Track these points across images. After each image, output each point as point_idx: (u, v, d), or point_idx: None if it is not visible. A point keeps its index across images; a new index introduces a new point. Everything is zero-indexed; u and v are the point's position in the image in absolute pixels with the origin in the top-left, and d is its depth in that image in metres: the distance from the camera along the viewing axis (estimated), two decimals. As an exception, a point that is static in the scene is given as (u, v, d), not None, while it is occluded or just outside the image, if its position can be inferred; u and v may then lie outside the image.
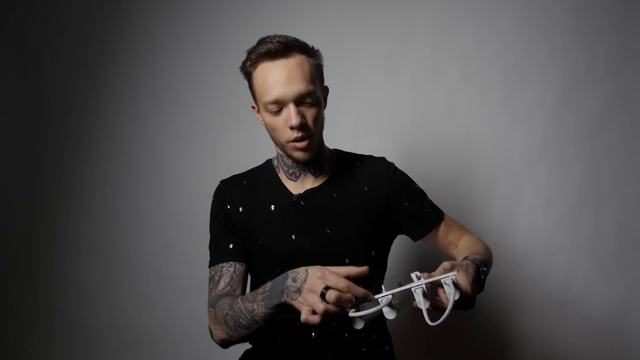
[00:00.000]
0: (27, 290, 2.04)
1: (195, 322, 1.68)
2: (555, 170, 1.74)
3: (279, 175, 1.10)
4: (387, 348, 1.12)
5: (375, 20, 1.80)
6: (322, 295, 0.73)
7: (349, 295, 0.74)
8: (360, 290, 0.75)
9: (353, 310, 0.75)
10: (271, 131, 1.01)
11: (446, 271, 0.80)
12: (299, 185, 1.07)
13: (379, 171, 1.10)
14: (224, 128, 1.90)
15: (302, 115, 0.95)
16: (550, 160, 1.74)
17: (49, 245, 2.03)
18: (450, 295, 0.76)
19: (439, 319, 0.74)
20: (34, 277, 2.04)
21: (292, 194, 1.07)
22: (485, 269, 0.93)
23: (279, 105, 0.95)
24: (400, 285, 0.87)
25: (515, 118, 1.75)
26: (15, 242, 2.05)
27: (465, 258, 0.93)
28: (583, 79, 1.72)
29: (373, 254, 1.08)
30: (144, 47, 1.96)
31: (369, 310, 0.75)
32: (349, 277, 0.76)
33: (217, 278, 1.03)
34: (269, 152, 1.17)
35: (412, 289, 0.77)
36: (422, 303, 0.75)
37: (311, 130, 0.97)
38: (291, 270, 0.81)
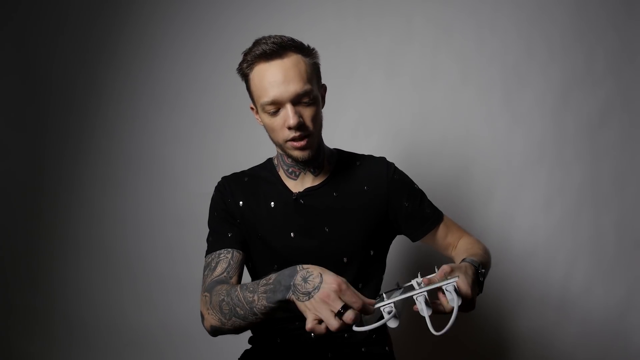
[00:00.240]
0: (27, 290, 2.04)
1: (195, 322, 1.67)
2: (554, 171, 1.74)
3: (279, 173, 1.10)
4: (387, 348, 1.12)
5: (375, 20, 1.80)
6: (339, 314, 0.71)
7: (359, 313, 0.73)
8: (370, 309, 0.74)
9: (357, 324, 0.74)
10: (270, 131, 1.01)
11: (446, 274, 0.79)
12: (298, 184, 1.08)
13: (379, 171, 1.10)
14: (224, 128, 1.91)
15: (299, 115, 0.95)
16: (549, 160, 1.74)
17: (49, 245, 2.04)
18: (452, 302, 0.75)
19: (442, 328, 0.72)
20: (34, 277, 2.04)
21: (292, 192, 1.07)
22: (483, 270, 0.93)
23: (277, 105, 0.95)
24: (398, 285, 0.86)
25: (515, 118, 1.75)
26: (15, 242, 2.06)
27: (463, 260, 0.92)
28: (583, 79, 1.72)
29: (372, 253, 1.08)
30: (143, 47, 1.96)
31: (373, 325, 0.73)
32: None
33: (214, 264, 1.01)
34: (269, 152, 1.17)
35: (414, 297, 0.76)
36: (424, 311, 0.74)
37: (309, 130, 0.98)
38: (300, 267, 0.78)
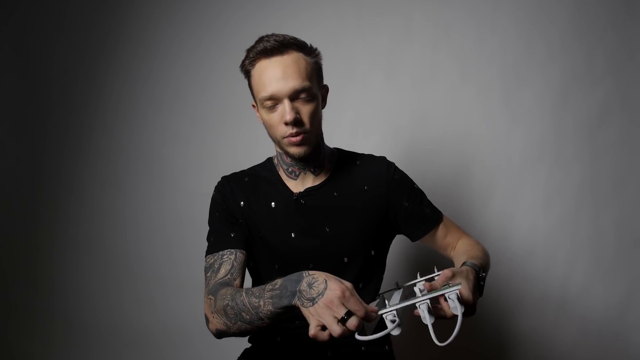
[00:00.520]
0: (27, 290, 2.04)
1: (195, 321, 1.68)
2: (554, 170, 1.74)
3: (279, 173, 1.10)
4: (387, 347, 1.12)
5: (374, 20, 1.80)
6: (343, 320, 0.71)
7: (362, 321, 0.73)
8: (373, 316, 0.74)
9: (360, 333, 0.73)
10: (268, 128, 1.02)
11: (448, 279, 0.79)
12: (299, 184, 1.08)
13: (379, 170, 1.10)
14: (223, 128, 1.91)
15: (296, 111, 0.96)
16: (549, 159, 1.74)
17: (49, 245, 2.03)
18: (455, 310, 0.75)
19: (444, 334, 0.72)
20: (34, 277, 2.04)
21: (292, 192, 1.07)
22: (484, 274, 0.93)
23: (274, 101, 0.96)
24: (397, 285, 0.86)
25: (515, 117, 1.75)
26: (15, 242, 2.05)
27: (464, 263, 0.92)
28: (582, 79, 1.72)
29: (372, 253, 1.08)
30: (142, 47, 1.96)
31: (376, 335, 0.72)
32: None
33: (217, 265, 1.01)
34: (268, 151, 1.17)
35: (417, 305, 0.75)
36: (427, 319, 0.74)
37: (306, 126, 0.98)
38: (306, 273, 0.78)
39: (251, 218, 1.06)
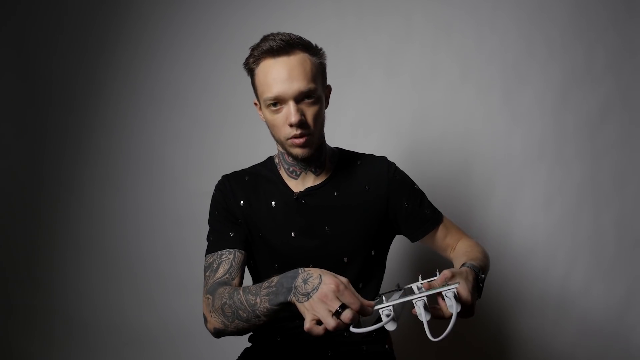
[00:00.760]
0: (26, 289, 2.04)
1: (195, 320, 1.68)
2: (554, 169, 1.74)
3: (280, 172, 1.10)
4: (387, 346, 1.12)
5: (374, 19, 1.80)
6: (337, 313, 0.71)
7: (357, 314, 0.73)
8: (369, 311, 0.74)
9: (355, 326, 0.74)
10: (271, 128, 1.01)
11: (447, 280, 0.79)
12: (299, 183, 1.08)
13: (379, 170, 1.10)
14: (223, 127, 1.90)
15: (301, 113, 0.96)
16: (549, 158, 1.74)
17: (49, 245, 2.03)
18: (451, 308, 0.75)
19: (441, 333, 0.72)
20: (33, 276, 2.04)
21: (293, 191, 1.07)
22: (483, 276, 0.93)
23: (279, 102, 0.96)
24: (398, 287, 0.86)
25: (515, 117, 1.75)
26: (15, 242, 2.05)
27: (464, 264, 0.92)
28: (583, 78, 1.72)
29: (372, 253, 1.08)
30: (142, 47, 1.96)
31: (371, 327, 0.73)
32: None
33: (215, 265, 1.01)
34: (269, 150, 1.17)
35: (413, 302, 0.76)
36: (423, 316, 0.74)
37: (310, 128, 0.98)
38: (302, 269, 0.79)
39: (251, 217, 1.06)
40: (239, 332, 0.90)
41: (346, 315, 0.71)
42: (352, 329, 0.73)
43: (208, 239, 1.08)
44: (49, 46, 2.00)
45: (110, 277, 1.99)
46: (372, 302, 0.76)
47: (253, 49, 0.98)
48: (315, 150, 1.02)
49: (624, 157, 1.72)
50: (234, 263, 1.01)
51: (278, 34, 0.97)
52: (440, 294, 0.77)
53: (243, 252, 1.04)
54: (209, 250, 1.05)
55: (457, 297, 0.76)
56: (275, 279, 0.82)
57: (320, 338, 1.03)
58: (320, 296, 0.73)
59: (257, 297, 0.83)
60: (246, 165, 1.16)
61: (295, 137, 0.97)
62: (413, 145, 1.79)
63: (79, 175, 2.02)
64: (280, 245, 1.05)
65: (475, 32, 1.76)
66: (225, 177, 1.12)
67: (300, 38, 0.97)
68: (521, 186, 1.75)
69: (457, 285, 0.77)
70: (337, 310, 0.71)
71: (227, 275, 0.99)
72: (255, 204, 1.07)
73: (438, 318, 0.79)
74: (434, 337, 0.72)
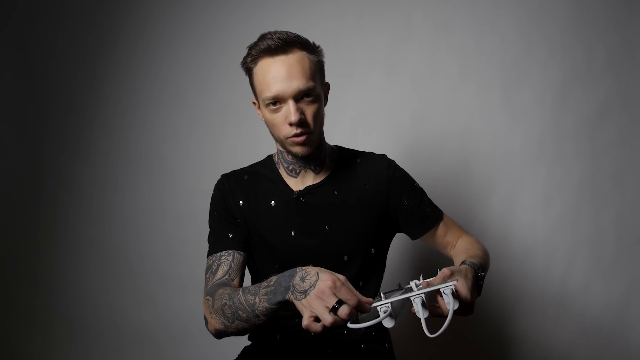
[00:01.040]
0: (26, 289, 2.04)
1: (195, 319, 1.68)
2: (554, 168, 1.74)
3: (280, 171, 1.10)
4: (387, 345, 1.12)
5: (374, 18, 1.80)
6: (334, 309, 0.72)
7: (354, 310, 0.73)
8: (367, 308, 0.74)
9: (352, 322, 0.74)
10: (271, 127, 1.01)
11: (446, 278, 0.79)
12: (299, 182, 1.07)
13: (379, 168, 1.10)
14: (223, 126, 1.90)
15: (301, 112, 0.95)
16: (549, 157, 1.74)
17: (49, 244, 2.03)
18: (449, 305, 0.75)
19: (437, 330, 0.73)
20: (33, 276, 2.04)
21: (292, 190, 1.07)
22: (483, 273, 0.93)
23: (279, 101, 0.96)
24: (399, 287, 0.86)
25: (515, 116, 1.75)
26: (14, 242, 2.05)
27: (463, 262, 0.92)
28: (582, 77, 1.72)
29: (372, 251, 1.08)
30: (142, 46, 1.96)
31: (368, 323, 0.73)
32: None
33: (215, 267, 1.02)
34: (269, 149, 1.17)
35: (412, 298, 0.76)
36: (420, 313, 0.75)
37: (310, 127, 0.98)
38: (300, 268, 0.79)
39: (250, 217, 1.06)
40: (240, 332, 0.90)
41: (343, 310, 0.71)
42: (349, 325, 0.73)
43: (209, 240, 1.08)
44: (49, 46, 2.00)
45: (110, 277, 1.99)
46: (370, 299, 0.76)
47: (250, 48, 0.98)
48: (315, 148, 1.02)
49: (624, 156, 1.72)
50: (233, 264, 1.01)
51: (275, 32, 0.96)
52: (439, 291, 0.78)
53: (242, 253, 1.04)
54: (210, 252, 1.05)
55: (455, 294, 0.76)
56: (273, 278, 0.83)
57: (320, 336, 1.03)
58: (317, 293, 0.73)
59: (256, 297, 0.83)
60: (246, 164, 1.16)
61: (296, 135, 0.96)
62: (413, 144, 1.79)
63: (79, 175, 2.02)
64: (279, 244, 1.05)
65: (475, 31, 1.76)
66: (224, 176, 1.12)
67: (297, 36, 0.97)
68: (521, 185, 1.76)
69: (455, 282, 0.77)
70: (334, 306, 0.71)
71: (226, 277, 1.00)
72: (254, 203, 1.07)
73: (437, 316, 0.79)
74: (431, 334, 0.72)
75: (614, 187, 1.72)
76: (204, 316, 0.96)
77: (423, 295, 0.75)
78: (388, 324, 0.75)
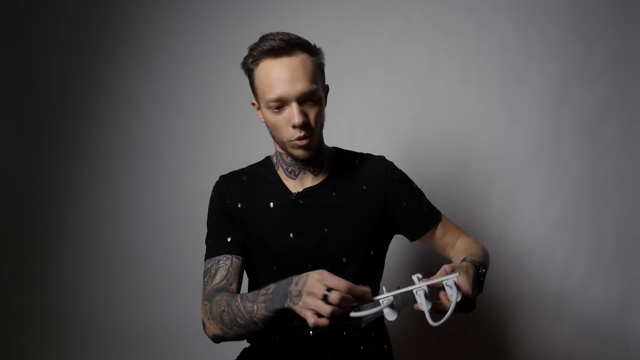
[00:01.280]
0: (26, 289, 2.04)
1: (194, 320, 1.68)
2: (553, 168, 1.74)
3: (278, 172, 1.10)
4: (385, 346, 1.12)
5: (373, 19, 1.80)
6: (325, 298, 0.72)
7: (349, 296, 0.74)
8: (359, 290, 0.75)
9: (354, 311, 0.75)
10: (272, 129, 1.01)
11: (447, 274, 0.79)
12: (298, 184, 1.07)
13: (377, 170, 1.10)
14: (223, 126, 1.90)
15: (304, 114, 0.95)
16: (548, 158, 1.74)
17: (48, 244, 2.03)
18: (452, 296, 0.76)
19: (440, 320, 0.74)
20: (33, 276, 2.04)
21: (291, 192, 1.06)
22: (484, 270, 0.93)
23: (282, 103, 0.95)
24: (399, 288, 0.87)
25: (514, 116, 1.75)
26: (14, 242, 2.05)
27: (463, 260, 0.93)
28: (581, 77, 1.72)
29: (371, 253, 1.08)
30: (141, 46, 1.96)
31: (370, 310, 0.74)
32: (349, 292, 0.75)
33: (213, 271, 1.01)
34: (268, 150, 1.17)
35: (414, 291, 0.77)
36: (423, 304, 0.75)
37: (312, 129, 0.97)
38: (295, 276, 0.81)
39: (249, 219, 1.06)
40: (238, 337, 0.92)
41: (333, 296, 0.72)
42: (352, 314, 0.74)
43: (206, 242, 1.08)
44: (48, 46, 2.00)
45: (109, 277, 1.99)
46: (368, 288, 0.76)
47: (252, 48, 0.97)
48: (316, 150, 1.02)
49: (623, 156, 1.72)
50: (231, 269, 1.01)
51: (277, 33, 0.96)
52: (441, 286, 0.78)
53: (240, 257, 1.04)
54: (208, 256, 1.05)
55: (458, 287, 0.77)
56: (272, 286, 0.84)
57: (319, 338, 1.03)
58: (307, 289, 0.75)
59: (255, 304, 0.84)
60: (245, 164, 1.16)
61: (299, 138, 0.96)
62: (412, 145, 1.79)
63: (78, 175, 2.02)
64: (278, 246, 1.04)
65: (474, 32, 1.76)
66: (222, 177, 1.12)
67: (299, 38, 0.97)
68: (520, 185, 1.76)
69: (457, 275, 0.78)
70: (325, 295, 0.73)
71: (224, 281, 1.00)
72: (253, 205, 1.07)
73: (439, 312, 0.79)
74: (434, 322, 0.73)
75: (613, 187, 1.72)
76: (202, 321, 0.96)
77: (426, 288, 0.76)
78: (390, 316, 0.76)
